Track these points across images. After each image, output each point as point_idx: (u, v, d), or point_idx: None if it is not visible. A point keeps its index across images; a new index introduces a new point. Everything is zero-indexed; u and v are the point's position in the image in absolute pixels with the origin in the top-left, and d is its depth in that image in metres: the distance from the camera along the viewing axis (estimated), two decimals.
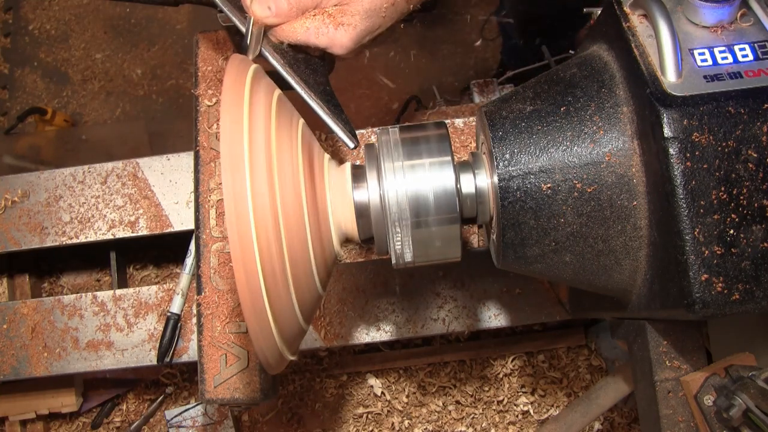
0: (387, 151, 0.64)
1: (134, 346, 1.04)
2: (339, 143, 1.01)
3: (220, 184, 0.96)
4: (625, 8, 0.62)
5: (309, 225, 0.59)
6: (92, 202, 1.07)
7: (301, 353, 1.43)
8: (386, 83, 0.73)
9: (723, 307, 0.53)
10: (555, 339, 1.42)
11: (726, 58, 0.57)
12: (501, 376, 1.44)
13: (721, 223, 0.53)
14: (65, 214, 1.07)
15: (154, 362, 1.03)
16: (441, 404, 1.44)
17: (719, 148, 0.54)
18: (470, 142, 1.01)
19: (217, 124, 0.99)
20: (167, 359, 1.01)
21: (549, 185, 0.60)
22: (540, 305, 1.04)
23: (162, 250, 1.38)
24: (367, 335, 1.03)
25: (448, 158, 0.64)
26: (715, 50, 0.58)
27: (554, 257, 0.63)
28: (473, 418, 1.44)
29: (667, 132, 0.54)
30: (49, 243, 1.07)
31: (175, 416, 1.41)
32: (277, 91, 0.63)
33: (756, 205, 0.53)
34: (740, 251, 0.53)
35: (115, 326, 1.05)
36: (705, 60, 0.57)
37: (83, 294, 1.07)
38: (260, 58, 0.73)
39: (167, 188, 1.07)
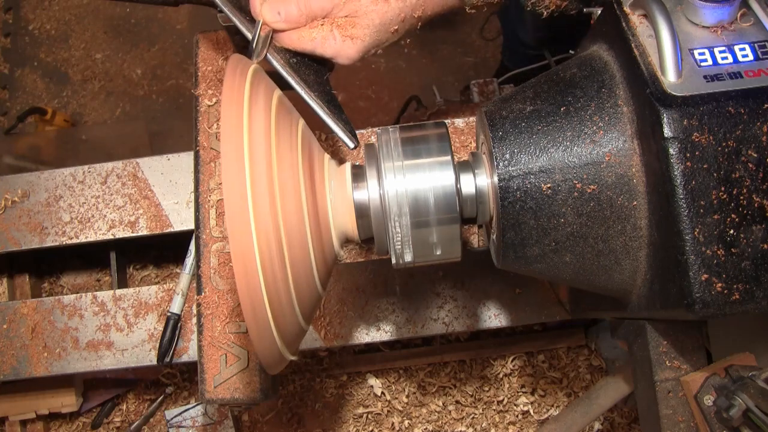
0: (387, 151, 0.64)
1: (134, 346, 1.04)
2: (339, 143, 1.01)
3: (220, 184, 0.96)
4: (625, 8, 0.62)
5: (309, 225, 0.59)
6: (92, 202, 1.07)
7: (301, 353, 1.43)
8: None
9: (723, 307, 0.53)
10: (555, 339, 1.42)
11: (726, 58, 0.57)
12: (501, 376, 1.44)
13: (721, 223, 0.53)
14: (65, 214, 1.07)
15: (154, 362, 1.03)
16: (441, 404, 1.44)
17: (719, 148, 0.54)
18: (470, 142, 1.01)
19: (217, 124, 0.99)
20: (167, 359, 1.01)
21: (549, 185, 0.60)
22: (540, 305, 1.04)
23: (162, 250, 1.38)
24: (367, 335, 1.03)
25: (448, 158, 0.64)
26: (715, 50, 0.58)
27: (554, 257, 0.63)
28: (473, 418, 1.44)
29: (667, 132, 0.54)
30: (49, 243, 1.07)
31: (175, 416, 1.41)
32: (277, 91, 0.63)
33: (756, 205, 0.53)
34: (740, 251, 0.53)
35: (115, 326, 1.05)
36: (705, 60, 0.57)
37: (83, 294, 1.07)
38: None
39: (167, 188, 1.07)
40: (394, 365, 1.44)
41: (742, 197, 0.54)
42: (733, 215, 0.53)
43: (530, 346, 1.43)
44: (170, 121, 1.99)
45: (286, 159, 0.58)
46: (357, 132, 0.79)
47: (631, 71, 0.59)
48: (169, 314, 1.02)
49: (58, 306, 1.06)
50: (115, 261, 1.18)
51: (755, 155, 0.54)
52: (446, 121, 0.98)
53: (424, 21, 0.76)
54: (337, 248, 0.66)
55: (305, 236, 0.59)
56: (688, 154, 0.54)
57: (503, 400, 1.43)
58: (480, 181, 0.66)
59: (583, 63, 0.65)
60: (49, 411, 1.36)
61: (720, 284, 0.53)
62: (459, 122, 1.02)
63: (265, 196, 0.54)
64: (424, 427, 1.43)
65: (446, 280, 1.04)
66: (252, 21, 0.75)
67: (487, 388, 1.44)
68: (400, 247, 0.64)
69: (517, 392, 1.44)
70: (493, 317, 1.04)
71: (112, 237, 1.06)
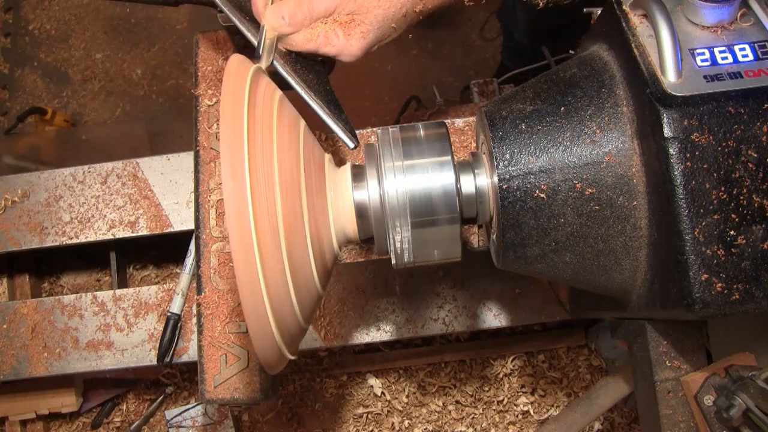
0: (387, 150, 0.64)
1: (134, 346, 1.04)
2: (339, 143, 1.01)
3: (220, 184, 0.96)
4: (625, 8, 0.62)
5: (309, 225, 0.59)
6: (92, 202, 1.07)
7: (301, 353, 1.43)
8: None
9: (723, 307, 0.53)
10: (555, 339, 1.42)
11: (726, 58, 0.57)
12: (501, 376, 1.44)
13: (721, 223, 0.53)
14: (65, 214, 1.07)
15: (154, 362, 1.03)
16: (441, 404, 1.44)
17: (719, 148, 0.54)
18: (470, 142, 1.01)
19: (217, 124, 0.99)
20: (167, 359, 1.01)
21: (549, 185, 0.60)
22: (540, 305, 1.04)
23: (162, 250, 1.38)
24: (367, 335, 1.03)
25: (448, 158, 0.64)
26: (715, 50, 0.58)
27: (554, 257, 0.63)
28: (473, 418, 1.44)
29: (667, 132, 0.54)
30: (49, 243, 1.07)
31: (175, 416, 1.41)
32: (277, 91, 0.63)
33: (756, 205, 0.53)
34: (740, 251, 0.53)
35: (115, 326, 1.05)
36: (705, 60, 0.57)
37: (83, 294, 1.07)
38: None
39: (167, 188, 1.07)
40: (394, 365, 1.44)
41: (742, 197, 0.54)
42: (733, 215, 0.53)
43: (530, 346, 1.43)
44: (170, 121, 1.99)
45: (286, 159, 0.58)
46: (357, 132, 0.79)
47: (631, 71, 0.59)
48: (169, 314, 1.02)
49: (58, 306, 1.06)
50: (115, 261, 1.18)
51: (755, 155, 0.54)
52: (446, 121, 0.98)
53: (425, 15, 0.76)
54: (337, 248, 0.66)
55: (305, 236, 0.59)
56: (688, 154, 0.54)
57: (503, 400, 1.43)
58: (480, 181, 0.66)
59: (583, 63, 0.65)
60: (49, 411, 1.36)
61: (720, 284, 0.53)
62: (459, 122, 1.02)
63: (265, 196, 0.54)
64: (424, 427, 1.43)
65: (446, 280, 1.04)
66: (252, 21, 0.75)
67: (487, 388, 1.44)
68: (400, 247, 0.64)
69: (517, 392, 1.44)
70: (493, 317, 1.04)
71: (112, 237, 1.06)
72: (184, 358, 1.03)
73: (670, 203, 0.54)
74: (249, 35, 0.73)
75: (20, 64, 2.11)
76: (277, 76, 0.71)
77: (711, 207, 0.53)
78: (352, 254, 1.07)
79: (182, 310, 1.03)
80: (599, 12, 0.70)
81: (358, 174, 0.66)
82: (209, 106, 1.00)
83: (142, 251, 1.38)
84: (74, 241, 1.07)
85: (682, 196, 0.53)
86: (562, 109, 0.62)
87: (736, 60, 0.57)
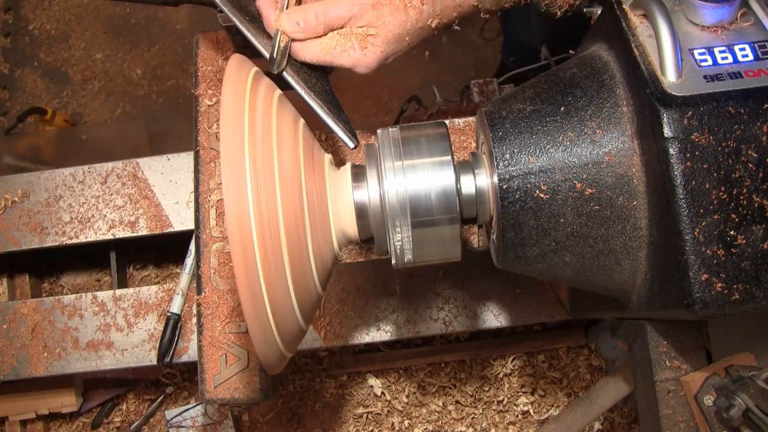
0: (387, 151, 0.64)
1: (134, 346, 1.04)
2: (339, 143, 1.01)
3: (220, 184, 0.96)
4: (625, 8, 0.62)
5: (309, 225, 0.59)
6: (92, 202, 1.07)
7: (301, 353, 1.43)
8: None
9: (723, 307, 0.53)
10: (555, 339, 1.42)
11: (726, 58, 0.57)
12: (501, 376, 1.44)
13: (721, 223, 0.53)
14: (65, 214, 1.07)
15: (154, 362, 1.03)
16: (441, 404, 1.44)
17: (719, 148, 0.54)
18: (470, 142, 1.01)
19: (217, 124, 0.99)
20: (167, 359, 1.01)
21: (549, 185, 0.60)
22: (540, 305, 1.04)
23: (162, 250, 1.38)
24: (367, 335, 1.03)
25: (448, 158, 0.64)
26: (715, 50, 0.58)
27: (554, 257, 0.63)
28: (473, 418, 1.44)
29: (667, 132, 0.54)
30: (49, 243, 1.07)
31: (175, 416, 1.41)
32: (278, 91, 0.63)
33: (756, 205, 0.53)
34: (740, 251, 0.53)
35: (115, 326, 1.05)
36: (705, 60, 0.57)
37: (83, 294, 1.07)
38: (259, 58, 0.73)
39: (167, 188, 1.07)
40: (394, 365, 1.44)
41: (742, 197, 0.54)
42: (733, 215, 0.53)
43: (530, 346, 1.43)
44: (170, 121, 1.99)
45: (286, 159, 0.58)
46: (357, 132, 0.79)
47: (631, 71, 0.59)
48: (169, 314, 1.02)
49: (58, 306, 1.06)
50: (115, 261, 1.18)
51: (755, 155, 0.54)
52: (446, 121, 0.98)
53: (440, 30, 0.76)
54: (337, 248, 0.66)
55: (305, 236, 0.59)
56: (688, 154, 0.54)
57: (503, 400, 1.43)
58: (480, 181, 0.66)
59: (583, 63, 0.65)
60: (49, 411, 1.36)
61: (720, 284, 0.53)
62: (459, 122, 1.02)
63: (265, 196, 0.54)
64: (424, 427, 1.43)
65: (446, 280, 1.04)
66: (252, 21, 0.75)
67: (487, 388, 1.44)
68: (400, 247, 0.64)
69: (517, 392, 1.44)
70: (493, 317, 1.04)
71: (112, 237, 1.06)
72: (184, 358, 1.03)
73: (670, 203, 0.54)
74: (249, 35, 0.73)
75: (20, 64, 2.11)
76: (277, 76, 0.71)
77: (711, 207, 0.53)
78: (352, 254, 1.07)
79: (182, 310, 1.03)
80: (599, 12, 0.70)
81: (358, 174, 0.66)
82: (209, 106, 1.00)
83: (142, 251, 1.38)
84: (74, 241, 1.07)
85: (682, 196, 0.53)
86: (562, 109, 0.62)
87: (736, 60, 0.57)
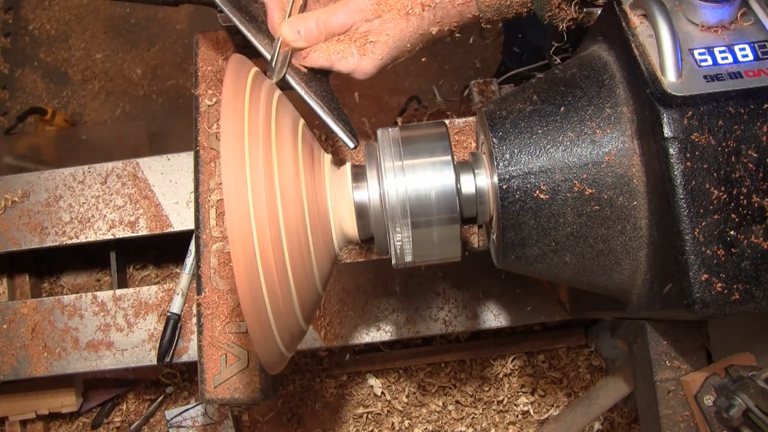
0: (387, 151, 0.64)
1: (134, 346, 1.04)
2: (339, 143, 1.01)
3: (220, 184, 0.96)
4: (625, 8, 0.62)
5: (309, 225, 0.59)
6: (92, 202, 1.07)
7: (301, 353, 1.43)
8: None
9: (723, 307, 0.53)
10: (555, 339, 1.42)
11: (726, 58, 0.57)
12: (501, 376, 1.44)
13: (721, 223, 0.53)
14: (65, 214, 1.07)
15: (154, 362, 1.03)
16: (441, 404, 1.44)
17: (719, 148, 0.54)
18: (470, 142, 1.01)
19: (217, 124, 0.99)
20: (167, 359, 1.01)
21: (549, 185, 0.60)
22: (540, 305, 1.04)
23: (162, 250, 1.38)
24: (367, 335, 1.03)
25: (448, 158, 0.64)
26: (715, 50, 0.58)
27: (554, 257, 0.63)
28: (473, 418, 1.44)
29: (667, 132, 0.54)
30: (49, 243, 1.07)
31: (175, 416, 1.41)
32: (278, 91, 0.63)
33: (756, 205, 0.53)
34: (740, 251, 0.53)
35: (115, 326, 1.05)
36: (705, 60, 0.57)
37: (83, 294, 1.07)
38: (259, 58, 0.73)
39: (167, 188, 1.07)
40: (394, 365, 1.44)
41: (742, 197, 0.54)
42: (733, 215, 0.53)
43: (530, 346, 1.43)
44: (170, 121, 1.99)
45: (286, 159, 0.58)
46: (357, 132, 0.79)
47: (631, 71, 0.59)
48: (169, 314, 1.02)
49: (58, 306, 1.06)
50: (115, 261, 1.18)
51: (755, 155, 0.54)
52: (446, 121, 0.98)
53: (441, 37, 0.76)
54: (337, 248, 0.66)
55: (305, 236, 0.59)
56: (688, 154, 0.54)
57: (503, 400, 1.43)
58: (480, 181, 0.66)
59: (583, 63, 0.65)
60: (49, 411, 1.36)
61: (720, 284, 0.53)
62: (459, 122, 1.02)
63: (265, 196, 0.54)
64: (424, 427, 1.43)
65: (446, 280, 1.04)
66: (252, 21, 0.75)
67: (487, 388, 1.44)
68: (400, 247, 0.64)
69: (517, 392, 1.44)
70: (493, 317, 1.04)
71: (112, 237, 1.06)
72: (184, 358, 1.03)
73: (670, 203, 0.54)
74: (249, 35, 0.73)
75: (20, 64, 2.11)
76: None
77: (711, 207, 0.53)
78: (352, 254, 1.07)
79: (182, 310, 1.03)
80: (599, 12, 0.70)
81: (358, 174, 0.66)
82: (209, 106, 1.00)
83: (142, 251, 1.38)
84: (74, 241, 1.07)
85: (682, 196, 0.53)
86: (562, 109, 0.62)
87: (736, 60, 0.57)
